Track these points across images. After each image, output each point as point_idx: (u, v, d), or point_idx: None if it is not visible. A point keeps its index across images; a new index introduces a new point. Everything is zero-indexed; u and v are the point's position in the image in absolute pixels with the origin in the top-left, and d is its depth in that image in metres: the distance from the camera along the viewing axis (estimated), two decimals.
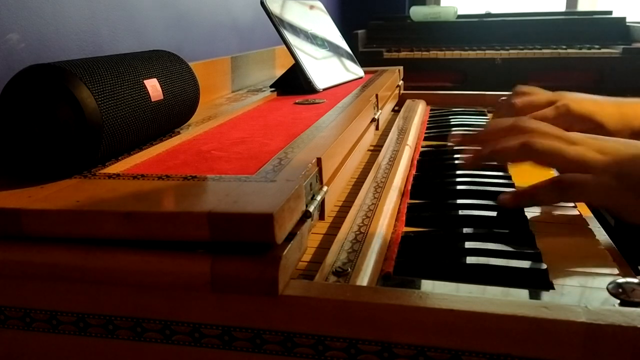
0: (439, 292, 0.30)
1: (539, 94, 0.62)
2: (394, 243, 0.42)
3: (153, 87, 0.48)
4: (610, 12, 1.87)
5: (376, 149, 0.69)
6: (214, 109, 0.68)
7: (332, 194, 0.47)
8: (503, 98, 0.66)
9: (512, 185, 0.54)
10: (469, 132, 0.52)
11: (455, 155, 0.64)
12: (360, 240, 0.40)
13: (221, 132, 0.55)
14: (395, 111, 0.94)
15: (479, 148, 0.49)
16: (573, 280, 0.37)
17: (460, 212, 0.47)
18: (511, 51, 1.69)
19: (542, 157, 0.44)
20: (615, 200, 0.40)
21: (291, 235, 0.34)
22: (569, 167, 0.43)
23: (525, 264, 0.37)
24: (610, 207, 0.41)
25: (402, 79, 1.03)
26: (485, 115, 0.87)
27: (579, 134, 0.46)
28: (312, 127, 0.54)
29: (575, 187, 0.41)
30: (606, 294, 0.33)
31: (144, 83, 0.47)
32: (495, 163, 0.51)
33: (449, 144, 0.52)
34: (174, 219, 0.31)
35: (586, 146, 0.43)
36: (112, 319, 0.34)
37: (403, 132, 0.70)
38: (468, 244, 0.40)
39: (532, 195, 0.44)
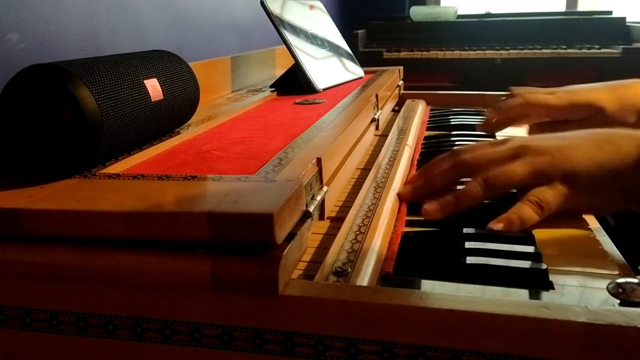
0: (439, 292, 0.30)
1: (537, 90, 0.64)
2: (394, 243, 0.42)
3: (153, 87, 0.48)
4: (610, 12, 1.88)
5: (376, 149, 0.69)
6: (214, 109, 0.68)
7: (332, 194, 0.47)
8: (502, 98, 0.67)
9: None
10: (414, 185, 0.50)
11: None
12: (360, 240, 0.40)
13: (221, 132, 0.55)
14: (395, 111, 0.94)
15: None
16: (573, 280, 0.36)
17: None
18: (511, 51, 1.69)
19: (492, 190, 0.43)
20: (573, 203, 0.42)
21: (291, 235, 0.34)
22: (527, 185, 0.43)
23: (525, 264, 0.37)
24: (578, 211, 0.42)
25: (402, 79, 1.03)
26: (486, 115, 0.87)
27: (516, 140, 0.45)
28: (312, 127, 0.54)
29: (546, 207, 0.42)
30: (606, 294, 0.33)
31: (144, 83, 0.47)
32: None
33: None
34: (174, 219, 0.31)
35: (531, 154, 0.43)
36: (112, 319, 0.34)
37: (403, 132, 0.70)
38: (468, 244, 0.40)
39: (510, 224, 0.43)
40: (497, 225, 0.42)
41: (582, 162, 0.42)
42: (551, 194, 0.42)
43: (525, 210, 0.42)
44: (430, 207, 0.44)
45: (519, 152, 0.44)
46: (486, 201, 0.50)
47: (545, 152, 0.43)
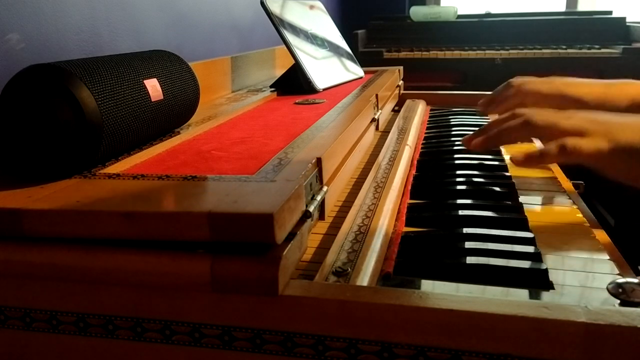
0: (439, 292, 0.30)
1: (534, 79, 0.66)
2: (394, 243, 0.42)
3: (153, 87, 0.48)
4: (610, 12, 1.88)
5: (376, 149, 0.69)
6: (214, 109, 0.68)
7: (332, 194, 0.47)
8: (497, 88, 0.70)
9: (512, 185, 0.54)
10: (476, 131, 0.55)
11: (456, 156, 0.64)
12: (360, 240, 0.40)
13: (221, 132, 0.55)
14: (395, 111, 0.94)
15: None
16: (573, 280, 0.37)
17: (460, 212, 0.47)
18: (511, 51, 1.69)
19: (542, 131, 0.48)
20: (607, 162, 0.44)
21: (291, 235, 0.34)
22: (568, 135, 0.46)
23: (525, 264, 0.37)
24: (602, 168, 0.44)
25: (402, 79, 1.03)
26: (485, 115, 0.87)
27: (573, 110, 0.50)
28: (312, 127, 0.54)
29: (575, 150, 0.44)
30: (606, 294, 0.33)
31: (144, 83, 0.47)
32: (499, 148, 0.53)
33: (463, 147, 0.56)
34: (174, 219, 0.31)
35: (581, 117, 0.47)
36: (112, 319, 0.34)
37: (403, 132, 0.70)
38: (468, 244, 0.40)
39: (541, 157, 0.47)
40: (516, 156, 0.47)
41: (632, 133, 0.44)
42: (586, 143, 0.44)
43: (549, 146, 0.45)
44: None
45: (585, 128, 0.46)
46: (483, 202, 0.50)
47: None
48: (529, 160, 0.48)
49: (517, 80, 0.68)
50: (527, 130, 0.48)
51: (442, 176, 0.58)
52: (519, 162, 0.48)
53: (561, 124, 0.47)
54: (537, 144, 0.64)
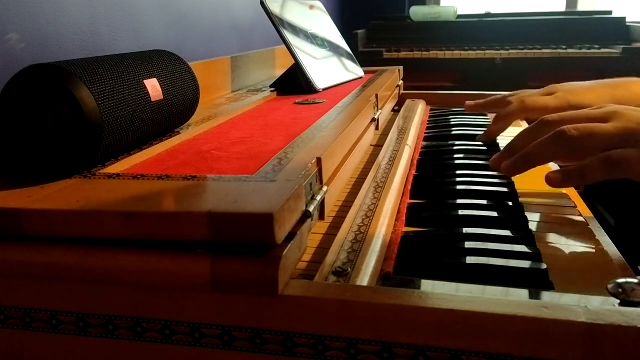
0: (439, 292, 0.30)
1: (533, 92, 0.64)
2: (394, 243, 0.42)
3: (153, 87, 0.48)
4: (610, 12, 1.88)
5: (376, 149, 0.69)
6: (214, 109, 0.68)
7: (332, 194, 0.47)
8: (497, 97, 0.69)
9: (512, 185, 0.54)
10: (503, 150, 0.50)
11: (455, 156, 0.64)
12: (360, 240, 0.40)
13: (221, 132, 0.55)
14: (395, 111, 0.94)
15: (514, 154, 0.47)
16: (573, 280, 0.36)
17: (460, 212, 0.47)
18: (511, 51, 1.69)
19: (580, 143, 0.41)
20: None
21: (291, 235, 0.34)
22: (612, 145, 0.40)
23: (525, 264, 0.37)
24: None
25: (402, 79, 1.03)
26: (486, 115, 0.87)
27: (611, 106, 0.44)
28: (312, 127, 0.54)
29: (624, 164, 0.39)
30: (606, 294, 0.33)
31: (144, 83, 0.47)
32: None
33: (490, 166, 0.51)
34: (174, 219, 0.31)
35: (623, 120, 0.41)
36: (112, 319, 0.34)
37: (403, 132, 0.70)
38: (468, 244, 0.40)
39: (582, 175, 0.41)
40: (553, 176, 0.41)
41: None
42: (634, 154, 0.38)
43: (590, 161, 0.39)
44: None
45: (631, 132, 0.40)
46: (485, 203, 0.50)
47: None
48: (569, 179, 0.42)
49: (516, 96, 0.64)
50: (562, 145, 0.42)
51: (442, 176, 0.58)
52: (558, 181, 0.42)
53: (602, 132, 0.40)
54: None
